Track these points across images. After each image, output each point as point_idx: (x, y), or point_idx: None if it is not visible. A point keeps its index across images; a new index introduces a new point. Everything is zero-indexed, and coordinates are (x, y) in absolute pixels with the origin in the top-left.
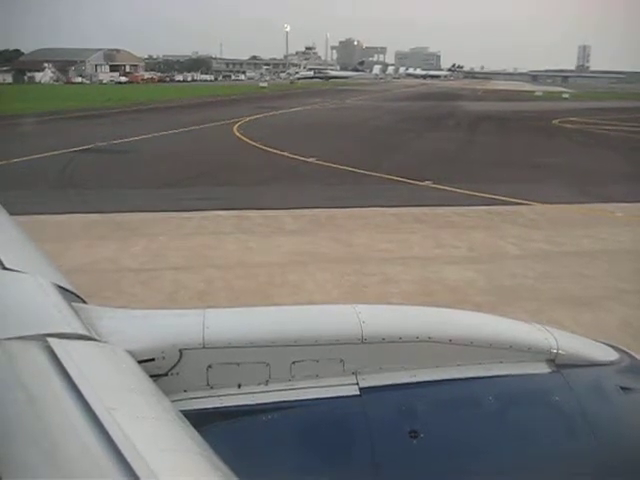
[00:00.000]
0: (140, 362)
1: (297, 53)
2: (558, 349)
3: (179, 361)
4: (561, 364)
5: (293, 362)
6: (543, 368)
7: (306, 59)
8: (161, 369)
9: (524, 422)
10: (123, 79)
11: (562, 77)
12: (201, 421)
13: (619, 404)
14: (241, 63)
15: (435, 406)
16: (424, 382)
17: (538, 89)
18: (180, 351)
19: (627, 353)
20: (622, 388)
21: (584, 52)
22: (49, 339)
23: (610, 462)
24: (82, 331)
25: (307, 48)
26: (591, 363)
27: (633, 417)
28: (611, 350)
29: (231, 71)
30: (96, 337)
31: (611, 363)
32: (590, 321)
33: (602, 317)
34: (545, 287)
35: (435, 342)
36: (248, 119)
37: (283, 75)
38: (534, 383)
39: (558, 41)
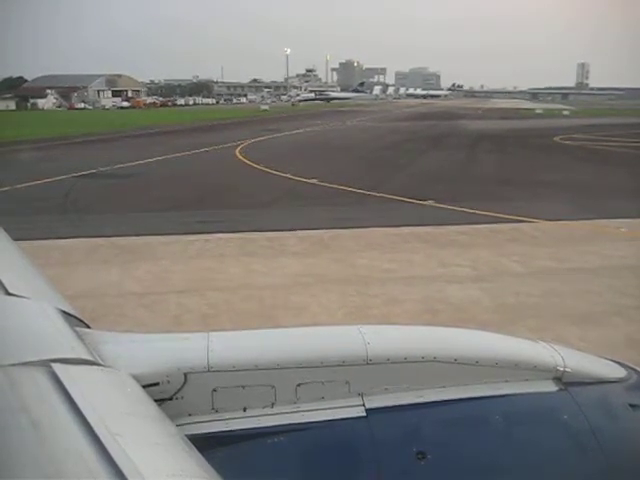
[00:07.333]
0: (145, 387)
1: (298, 75)
2: (565, 367)
3: (184, 385)
4: (568, 382)
5: (298, 384)
6: (550, 386)
7: (307, 81)
8: (166, 393)
9: (532, 441)
10: (125, 104)
11: (562, 94)
12: (207, 445)
13: (628, 421)
14: (242, 86)
15: (442, 427)
16: (430, 402)
17: (538, 107)
18: (185, 375)
19: (635, 370)
20: (631, 405)
21: (583, 69)
22: (53, 364)
23: None
24: (86, 356)
25: (307, 70)
26: (599, 380)
27: None
28: (619, 367)
29: (232, 94)
30: (100, 362)
31: (619, 380)
32: (596, 338)
33: (608, 333)
34: (550, 304)
35: (440, 362)
36: (250, 142)
37: (284, 97)
38: (541, 402)
39: (557, 59)
